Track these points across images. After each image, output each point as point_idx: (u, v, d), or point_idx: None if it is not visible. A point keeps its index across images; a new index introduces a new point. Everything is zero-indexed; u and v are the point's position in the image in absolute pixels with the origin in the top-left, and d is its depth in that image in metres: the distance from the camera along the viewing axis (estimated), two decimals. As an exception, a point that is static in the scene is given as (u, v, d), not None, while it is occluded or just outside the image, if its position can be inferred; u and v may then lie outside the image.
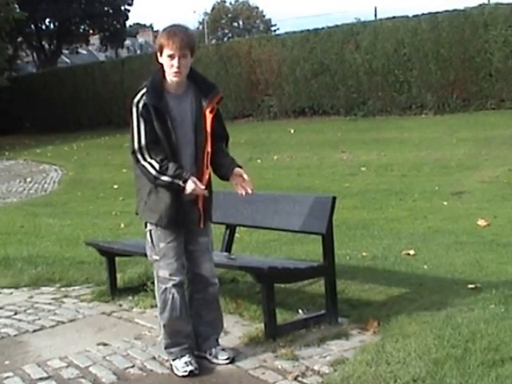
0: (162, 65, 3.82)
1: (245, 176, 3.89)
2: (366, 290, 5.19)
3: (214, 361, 3.96)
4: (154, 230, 3.88)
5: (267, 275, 4.19)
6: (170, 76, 3.79)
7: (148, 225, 3.93)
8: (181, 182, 3.74)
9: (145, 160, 3.77)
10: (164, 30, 3.83)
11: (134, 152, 3.80)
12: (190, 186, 3.74)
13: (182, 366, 3.86)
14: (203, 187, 3.79)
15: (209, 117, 3.84)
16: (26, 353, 4.38)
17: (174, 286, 3.88)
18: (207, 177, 3.90)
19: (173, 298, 3.89)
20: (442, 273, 5.72)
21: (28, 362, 4.19)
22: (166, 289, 3.89)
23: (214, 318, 4.07)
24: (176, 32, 3.77)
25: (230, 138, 4.06)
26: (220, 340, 4.10)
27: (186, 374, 3.83)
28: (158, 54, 3.83)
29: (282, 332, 4.25)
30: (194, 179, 3.76)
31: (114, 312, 5.15)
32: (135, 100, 3.78)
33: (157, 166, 3.75)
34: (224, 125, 4.01)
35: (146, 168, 3.77)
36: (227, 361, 3.93)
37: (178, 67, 3.74)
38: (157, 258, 3.89)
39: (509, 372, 3.42)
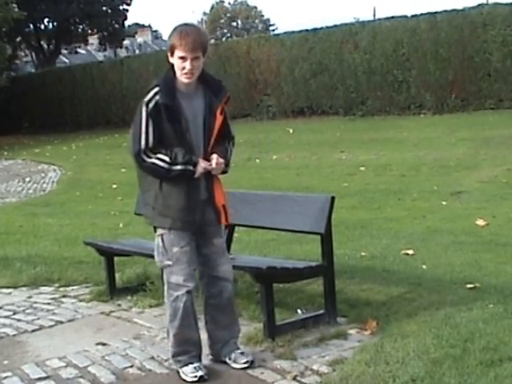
0: (172, 64, 3.74)
1: (213, 161, 3.75)
2: (364, 289, 5.19)
3: (234, 365, 3.85)
4: (167, 234, 3.75)
5: (266, 275, 4.19)
6: (181, 77, 3.71)
7: (159, 229, 3.81)
8: (191, 167, 3.68)
9: (150, 158, 3.68)
10: (175, 29, 3.70)
11: (138, 153, 3.68)
12: (199, 168, 3.70)
13: (192, 371, 3.74)
14: (211, 164, 3.74)
15: (219, 118, 3.77)
16: (25, 353, 4.38)
17: (187, 292, 3.75)
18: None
19: (185, 305, 3.75)
20: (440, 272, 5.72)
21: (27, 362, 4.19)
22: (177, 296, 3.75)
23: (230, 321, 3.96)
24: (188, 32, 3.65)
25: (235, 138, 4.00)
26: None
27: (196, 379, 3.72)
28: (169, 54, 3.73)
29: (281, 332, 4.25)
30: (201, 160, 3.72)
31: (113, 312, 5.15)
32: (146, 99, 3.67)
33: (166, 158, 3.68)
34: (229, 124, 3.93)
35: (155, 164, 3.67)
36: (246, 365, 3.82)
37: (190, 69, 3.66)
38: (169, 263, 3.76)
39: (507, 372, 3.42)
